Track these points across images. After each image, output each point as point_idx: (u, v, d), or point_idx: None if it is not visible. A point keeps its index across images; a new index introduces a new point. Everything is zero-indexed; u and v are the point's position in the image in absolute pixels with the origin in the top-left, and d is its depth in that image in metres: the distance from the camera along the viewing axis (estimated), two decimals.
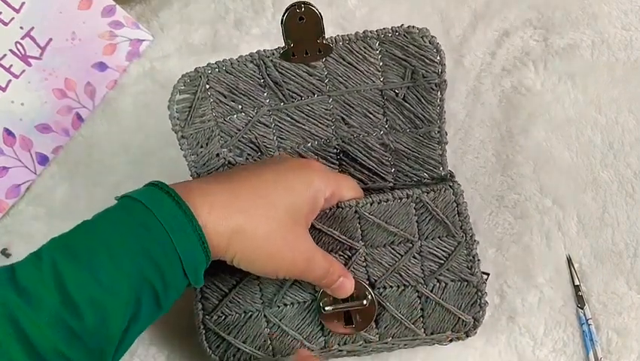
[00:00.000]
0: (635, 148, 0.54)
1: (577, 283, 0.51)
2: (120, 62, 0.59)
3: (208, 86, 0.43)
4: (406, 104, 0.45)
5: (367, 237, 0.46)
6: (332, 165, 0.48)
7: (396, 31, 0.43)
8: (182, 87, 0.43)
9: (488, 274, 0.48)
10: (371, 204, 0.45)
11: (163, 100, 0.57)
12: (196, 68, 0.43)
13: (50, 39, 0.56)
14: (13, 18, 0.54)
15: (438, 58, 0.43)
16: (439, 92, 0.44)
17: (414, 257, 0.46)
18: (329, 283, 0.44)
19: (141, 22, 0.60)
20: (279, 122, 0.46)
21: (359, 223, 0.45)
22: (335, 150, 0.47)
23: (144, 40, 0.60)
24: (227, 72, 0.43)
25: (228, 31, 0.60)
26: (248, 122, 0.45)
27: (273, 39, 0.58)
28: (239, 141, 0.45)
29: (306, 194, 0.41)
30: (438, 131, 0.45)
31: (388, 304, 0.46)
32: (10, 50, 0.55)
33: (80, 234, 0.36)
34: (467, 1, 0.59)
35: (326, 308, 0.45)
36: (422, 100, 0.44)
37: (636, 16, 0.57)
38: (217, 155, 0.45)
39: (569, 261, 0.52)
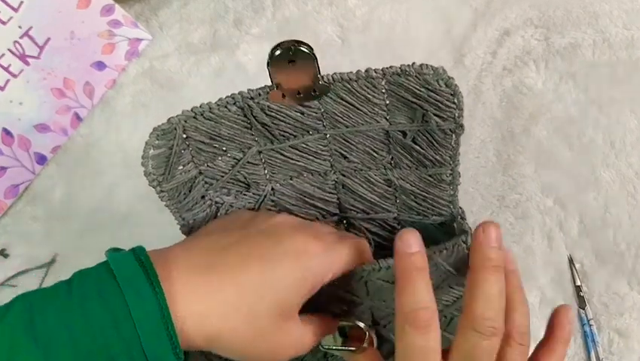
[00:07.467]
0: (637, 148, 0.54)
1: (578, 283, 0.51)
2: (119, 61, 0.59)
3: (185, 136, 0.38)
4: (415, 146, 0.39)
5: (375, 297, 0.40)
6: (330, 195, 0.43)
7: (405, 71, 0.35)
8: (156, 142, 0.37)
9: None
10: (379, 270, 0.38)
11: (162, 100, 0.58)
12: (169, 119, 0.37)
13: (49, 38, 0.56)
14: (11, 17, 0.54)
15: (455, 101, 0.36)
16: (453, 136, 0.38)
17: None
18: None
19: (140, 22, 0.60)
20: (270, 159, 0.41)
21: (366, 286, 0.40)
22: (333, 183, 0.43)
23: (143, 39, 0.59)
24: (206, 118, 0.37)
25: (228, 31, 0.60)
26: (235, 164, 0.40)
27: (273, 38, 0.58)
28: (225, 182, 0.41)
29: (298, 287, 0.37)
30: (450, 174, 0.40)
31: (392, 335, 0.43)
32: (9, 50, 0.54)
33: (49, 304, 0.33)
34: (468, 0, 0.59)
35: (324, 346, 0.43)
36: (435, 143, 0.38)
37: (637, 15, 0.57)
38: (203, 197, 0.41)
39: (570, 261, 0.52)
